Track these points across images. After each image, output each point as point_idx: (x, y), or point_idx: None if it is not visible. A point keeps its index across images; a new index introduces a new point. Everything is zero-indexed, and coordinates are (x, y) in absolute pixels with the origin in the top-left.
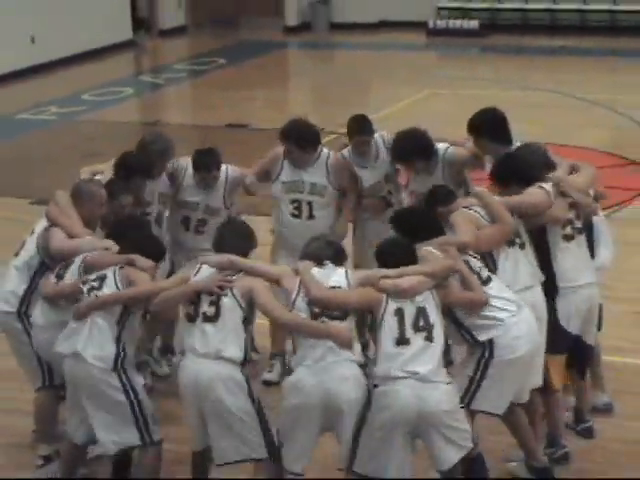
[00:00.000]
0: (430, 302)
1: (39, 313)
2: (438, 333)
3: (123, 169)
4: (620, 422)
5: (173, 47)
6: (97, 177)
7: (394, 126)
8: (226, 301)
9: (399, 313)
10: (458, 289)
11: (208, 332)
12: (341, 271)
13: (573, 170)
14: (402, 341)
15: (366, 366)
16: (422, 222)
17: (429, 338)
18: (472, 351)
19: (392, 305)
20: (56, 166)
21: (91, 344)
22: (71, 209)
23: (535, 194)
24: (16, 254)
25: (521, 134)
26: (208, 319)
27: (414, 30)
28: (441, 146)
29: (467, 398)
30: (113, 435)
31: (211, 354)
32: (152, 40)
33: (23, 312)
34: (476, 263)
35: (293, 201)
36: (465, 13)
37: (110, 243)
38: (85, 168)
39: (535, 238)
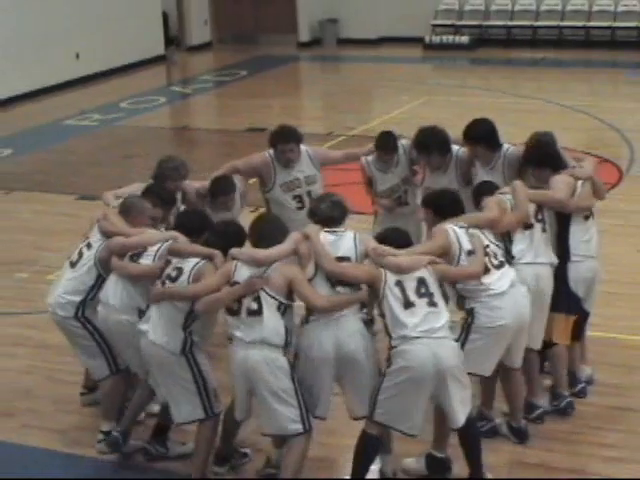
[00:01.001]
0: (427, 275)
1: (113, 294)
2: (439, 300)
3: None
4: (595, 389)
5: (200, 61)
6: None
7: (395, 129)
8: (264, 296)
9: (399, 284)
10: (448, 268)
11: (253, 324)
12: (349, 237)
13: (576, 160)
14: (408, 304)
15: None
16: (450, 201)
17: (432, 303)
18: (463, 315)
19: (392, 278)
20: (98, 166)
21: (160, 328)
22: (123, 224)
23: (559, 190)
24: (72, 264)
25: (507, 136)
26: (252, 313)
27: (412, 45)
28: (455, 147)
29: None
30: (181, 409)
31: (257, 341)
32: (181, 55)
33: (80, 315)
34: (493, 249)
35: (295, 196)
36: (457, 30)
37: (175, 234)
38: (107, 193)
39: (559, 215)
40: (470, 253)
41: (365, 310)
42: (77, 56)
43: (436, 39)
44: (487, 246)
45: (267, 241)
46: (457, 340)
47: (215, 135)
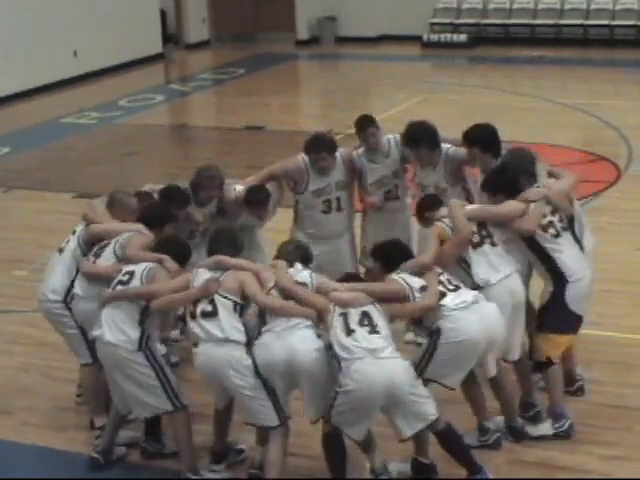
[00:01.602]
0: (374, 310)
1: (78, 285)
2: (382, 330)
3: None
4: (591, 387)
5: (198, 59)
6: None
7: (393, 127)
8: (218, 298)
9: (343, 315)
10: (402, 306)
11: (210, 326)
12: (307, 273)
13: (551, 176)
14: (349, 332)
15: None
16: (394, 252)
17: (373, 331)
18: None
19: (338, 310)
20: (96, 164)
21: (116, 328)
22: (106, 215)
23: (504, 206)
24: (60, 251)
25: (505, 134)
26: (207, 315)
27: (410, 43)
28: (445, 145)
29: (419, 370)
30: (147, 405)
31: (218, 339)
32: (180, 53)
33: (68, 301)
34: (444, 277)
35: (324, 201)
36: (455, 28)
37: (141, 226)
38: (148, 185)
39: (528, 243)
40: (423, 289)
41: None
42: (75, 54)
43: (434, 37)
44: (440, 273)
45: (219, 252)
46: (424, 353)
47: (213, 133)
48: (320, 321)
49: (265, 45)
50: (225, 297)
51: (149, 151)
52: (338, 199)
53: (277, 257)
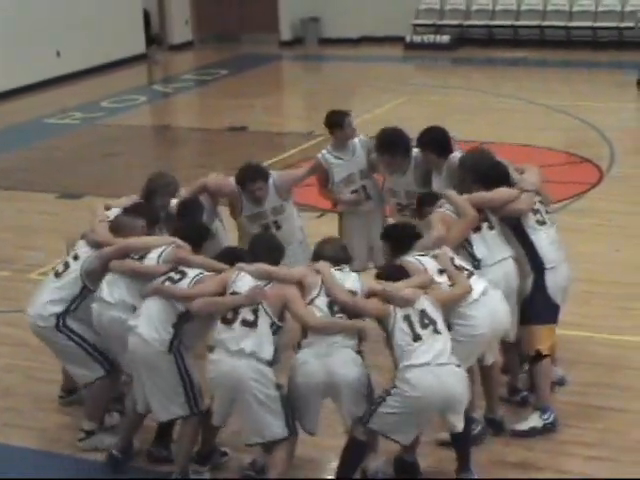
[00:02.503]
0: (429, 305)
1: (109, 291)
2: (441, 326)
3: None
4: (573, 388)
5: (181, 60)
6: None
7: (376, 128)
8: (262, 310)
9: (407, 319)
10: (441, 293)
11: (245, 335)
12: (355, 276)
13: (518, 171)
14: (416, 338)
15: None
16: (405, 234)
17: (435, 331)
18: None
19: (400, 313)
20: (79, 164)
21: (151, 324)
22: (111, 236)
23: (498, 192)
24: (57, 274)
25: (489, 135)
26: (247, 324)
27: (393, 44)
28: (415, 151)
29: None
30: (166, 408)
31: (245, 353)
32: (163, 54)
33: (62, 325)
34: (459, 261)
35: (261, 225)
36: (438, 29)
37: (176, 239)
38: (98, 204)
39: (514, 226)
40: (441, 272)
41: (357, 343)
42: (58, 54)
43: (417, 38)
44: (452, 259)
45: (263, 259)
46: None
47: (196, 134)
48: (366, 335)
49: (248, 46)
50: (267, 313)
51: (132, 152)
52: (276, 222)
53: (317, 257)
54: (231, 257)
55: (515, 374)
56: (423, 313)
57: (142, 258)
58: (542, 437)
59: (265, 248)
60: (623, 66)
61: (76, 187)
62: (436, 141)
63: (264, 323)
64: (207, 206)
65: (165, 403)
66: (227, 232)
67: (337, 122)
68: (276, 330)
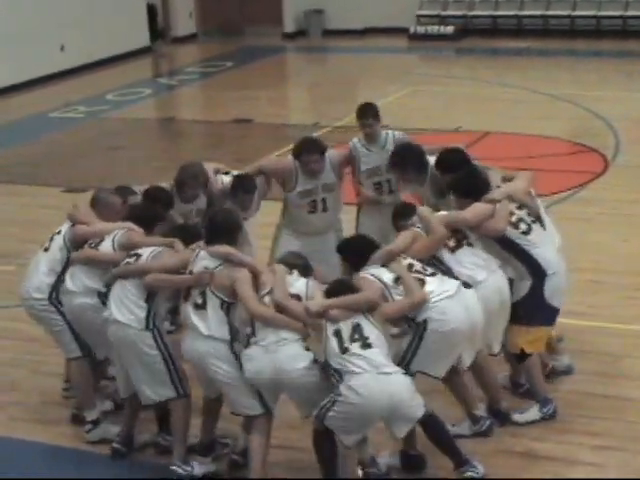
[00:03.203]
0: (364, 321)
1: (70, 280)
2: (374, 341)
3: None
4: (580, 377)
5: (185, 53)
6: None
7: (382, 119)
8: (209, 293)
9: (337, 333)
10: (389, 308)
11: (198, 317)
12: (303, 281)
13: (505, 180)
14: (343, 350)
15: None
16: (359, 248)
17: (364, 345)
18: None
19: (331, 328)
20: (84, 158)
21: (124, 307)
22: (91, 214)
23: (473, 211)
24: (45, 249)
25: (494, 125)
26: (197, 307)
27: (397, 35)
28: (432, 160)
29: (404, 363)
30: (151, 390)
31: (203, 335)
32: (167, 47)
33: (54, 298)
34: (418, 264)
35: (310, 202)
36: (442, 20)
37: (131, 224)
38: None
39: (501, 242)
40: (396, 280)
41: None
42: (62, 48)
43: (421, 29)
44: (411, 265)
45: (220, 234)
46: (410, 346)
47: (201, 126)
48: (308, 335)
49: (252, 38)
50: (214, 294)
51: (137, 145)
52: (324, 200)
53: (278, 262)
54: (185, 234)
55: (516, 369)
56: (355, 328)
57: (99, 244)
58: (549, 426)
59: (222, 225)
60: (628, 55)
61: (81, 181)
62: (414, 161)
63: (214, 305)
64: (260, 189)
65: (151, 385)
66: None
67: (363, 113)
68: (228, 308)
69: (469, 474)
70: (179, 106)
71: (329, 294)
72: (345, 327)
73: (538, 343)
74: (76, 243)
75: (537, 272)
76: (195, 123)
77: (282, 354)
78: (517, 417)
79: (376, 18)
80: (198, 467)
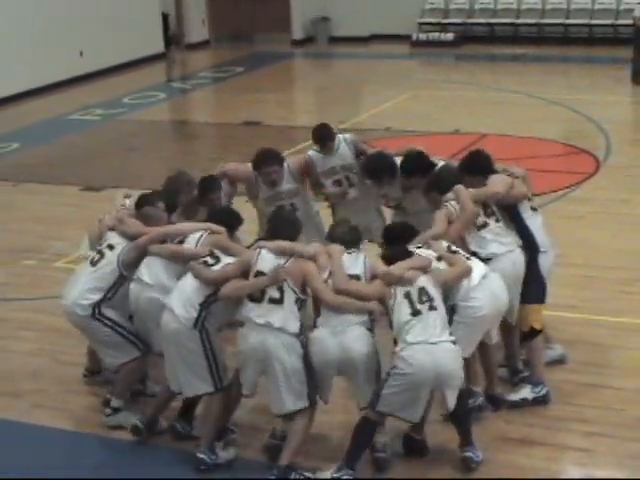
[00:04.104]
0: (428, 283)
1: (147, 272)
2: (438, 303)
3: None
4: (572, 367)
5: (198, 58)
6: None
7: (383, 122)
8: (286, 287)
9: (407, 296)
10: (440, 273)
11: (273, 312)
12: (361, 259)
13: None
14: (415, 313)
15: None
16: (405, 231)
17: (432, 307)
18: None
19: (400, 291)
20: (101, 158)
21: (180, 301)
22: (141, 226)
23: (495, 183)
24: (93, 263)
25: (491, 128)
26: (274, 301)
27: (400, 42)
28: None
29: None
30: (191, 384)
31: (274, 328)
32: (181, 53)
33: (97, 313)
34: (456, 248)
35: (277, 207)
36: (442, 27)
37: (211, 225)
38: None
39: (510, 212)
40: (439, 259)
41: (368, 321)
42: (81, 54)
43: (423, 36)
44: (449, 246)
45: (282, 234)
46: None
47: (213, 128)
48: (381, 313)
49: (262, 45)
50: (291, 288)
51: (151, 146)
52: (292, 204)
53: (329, 239)
54: (226, 219)
55: (515, 356)
56: (422, 290)
57: (181, 243)
58: (542, 414)
59: (283, 223)
60: (618, 61)
61: (98, 180)
62: (422, 168)
63: (290, 299)
64: (225, 190)
65: (191, 379)
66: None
67: (326, 136)
68: (301, 304)
69: (469, 454)
70: (192, 109)
71: (387, 260)
72: (413, 290)
73: (540, 320)
74: (137, 256)
75: (532, 248)
76: (207, 125)
77: (349, 335)
78: (510, 395)
79: (380, 26)
80: (222, 454)
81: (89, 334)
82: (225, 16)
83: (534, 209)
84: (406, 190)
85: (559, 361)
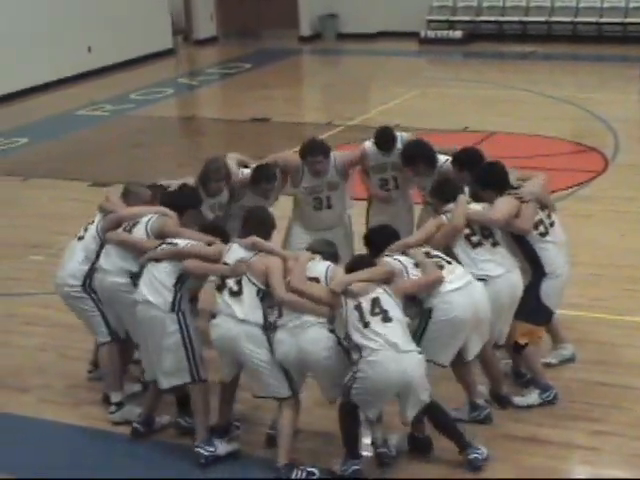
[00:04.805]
0: (383, 295)
1: (105, 259)
2: (395, 314)
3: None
4: (580, 366)
5: (206, 54)
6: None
7: (391, 119)
8: (246, 281)
9: (357, 307)
10: (406, 283)
11: (234, 304)
12: (324, 265)
13: (522, 179)
14: (365, 325)
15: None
16: (383, 236)
17: (385, 319)
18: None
19: (351, 304)
20: (109, 154)
21: (153, 288)
22: (121, 204)
23: (500, 208)
24: (80, 238)
25: (500, 126)
26: (233, 294)
27: (408, 39)
28: (442, 158)
29: None
30: (168, 375)
31: (237, 319)
32: (188, 49)
33: (87, 285)
34: (435, 252)
35: (315, 198)
36: (451, 25)
37: (163, 209)
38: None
39: (517, 239)
40: (416, 265)
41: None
42: (89, 50)
43: (431, 34)
44: (427, 252)
45: (255, 232)
46: (415, 333)
47: (220, 124)
48: (333, 317)
49: (270, 41)
50: (250, 281)
51: (159, 142)
52: (328, 198)
53: (307, 249)
54: (216, 232)
55: (516, 360)
56: (375, 302)
57: (133, 227)
58: (550, 412)
59: (257, 220)
60: (627, 60)
61: (106, 176)
62: (425, 156)
63: (250, 292)
64: (277, 181)
65: (168, 369)
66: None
67: (385, 143)
68: (263, 296)
69: (473, 456)
70: (200, 105)
71: (349, 270)
72: (365, 302)
73: (531, 336)
74: (109, 230)
75: (538, 271)
76: (214, 121)
77: (306, 336)
78: (518, 400)
79: (388, 22)
80: (221, 447)
81: (77, 308)
82: (233, 12)
83: (543, 234)
84: None
85: (570, 360)
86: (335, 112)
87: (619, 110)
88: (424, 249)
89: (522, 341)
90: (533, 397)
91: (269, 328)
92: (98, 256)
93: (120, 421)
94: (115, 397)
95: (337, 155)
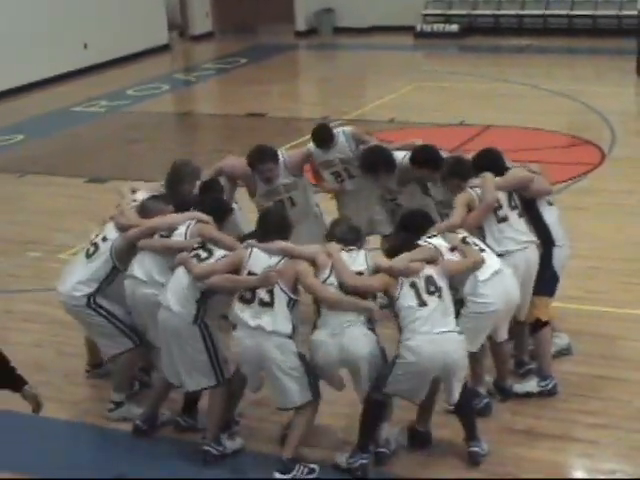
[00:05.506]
0: (434, 272)
1: (140, 268)
2: (445, 293)
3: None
4: (578, 358)
5: (202, 50)
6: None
7: (387, 113)
8: (277, 290)
9: (414, 286)
10: (452, 264)
11: (264, 315)
12: (362, 256)
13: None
14: (421, 304)
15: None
16: (422, 220)
17: (440, 297)
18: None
19: (406, 281)
20: (106, 150)
21: (177, 299)
22: (139, 220)
23: (517, 172)
24: (87, 255)
25: (496, 119)
26: (264, 304)
27: (404, 33)
28: (399, 155)
29: None
30: (193, 378)
31: (267, 331)
32: (184, 44)
33: (92, 303)
34: (472, 239)
35: (276, 202)
36: (446, 18)
37: (198, 214)
38: (124, 186)
39: (527, 205)
40: (452, 250)
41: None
42: (85, 46)
43: (427, 28)
44: (464, 238)
45: (274, 233)
46: None
47: (217, 120)
48: (375, 310)
49: (266, 36)
50: (282, 290)
51: (155, 137)
52: (290, 198)
53: (329, 238)
54: (213, 208)
55: (522, 349)
56: (429, 280)
57: (170, 235)
58: (548, 406)
59: (274, 223)
60: (622, 52)
61: (103, 172)
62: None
63: (281, 302)
64: (226, 188)
65: (193, 374)
66: (245, 214)
67: (322, 140)
68: (293, 305)
69: (476, 449)
70: (196, 101)
71: (393, 252)
72: (419, 280)
73: (548, 312)
74: (129, 249)
75: (548, 242)
76: (211, 117)
77: (347, 336)
78: (516, 387)
79: (384, 17)
80: (230, 445)
81: (84, 322)
82: (229, 8)
83: (550, 203)
84: (403, 184)
85: (566, 350)
86: (331, 107)
87: (615, 103)
88: (461, 235)
89: (544, 317)
90: (531, 384)
91: (295, 335)
92: (106, 280)
93: (117, 419)
94: (117, 397)
95: (286, 156)
